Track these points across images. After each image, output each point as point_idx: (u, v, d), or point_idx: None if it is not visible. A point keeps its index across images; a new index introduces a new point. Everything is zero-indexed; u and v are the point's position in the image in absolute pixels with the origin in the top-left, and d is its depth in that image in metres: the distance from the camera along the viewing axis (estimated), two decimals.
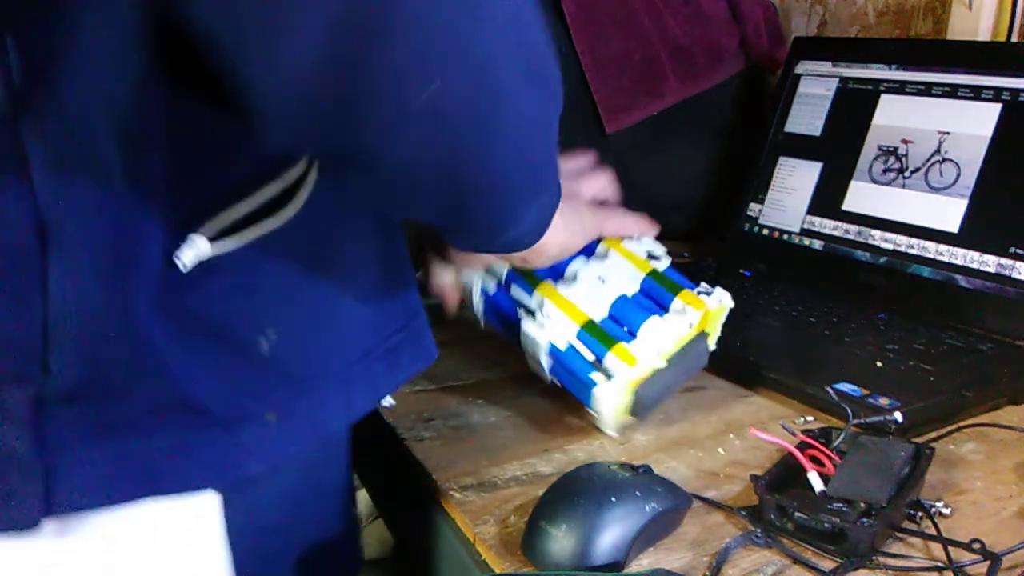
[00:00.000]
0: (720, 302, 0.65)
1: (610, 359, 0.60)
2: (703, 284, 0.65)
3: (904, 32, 1.13)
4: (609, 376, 0.60)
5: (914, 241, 0.90)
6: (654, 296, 0.64)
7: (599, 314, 0.63)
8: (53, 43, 0.36)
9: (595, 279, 0.64)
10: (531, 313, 0.63)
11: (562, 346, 0.62)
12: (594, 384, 0.60)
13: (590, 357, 0.61)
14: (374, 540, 1.48)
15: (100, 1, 0.37)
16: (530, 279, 0.64)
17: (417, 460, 0.59)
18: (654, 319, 0.61)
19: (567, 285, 0.63)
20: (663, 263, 0.66)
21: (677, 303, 0.63)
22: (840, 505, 0.49)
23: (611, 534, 0.46)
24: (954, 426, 0.66)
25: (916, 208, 0.91)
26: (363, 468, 0.70)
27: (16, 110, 0.36)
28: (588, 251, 0.65)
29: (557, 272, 0.65)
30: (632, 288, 0.64)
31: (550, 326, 0.62)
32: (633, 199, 0.65)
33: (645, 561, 0.48)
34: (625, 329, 0.62)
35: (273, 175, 0.44)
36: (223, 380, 0.44)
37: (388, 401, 0.65)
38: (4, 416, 0.38)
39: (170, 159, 0.40)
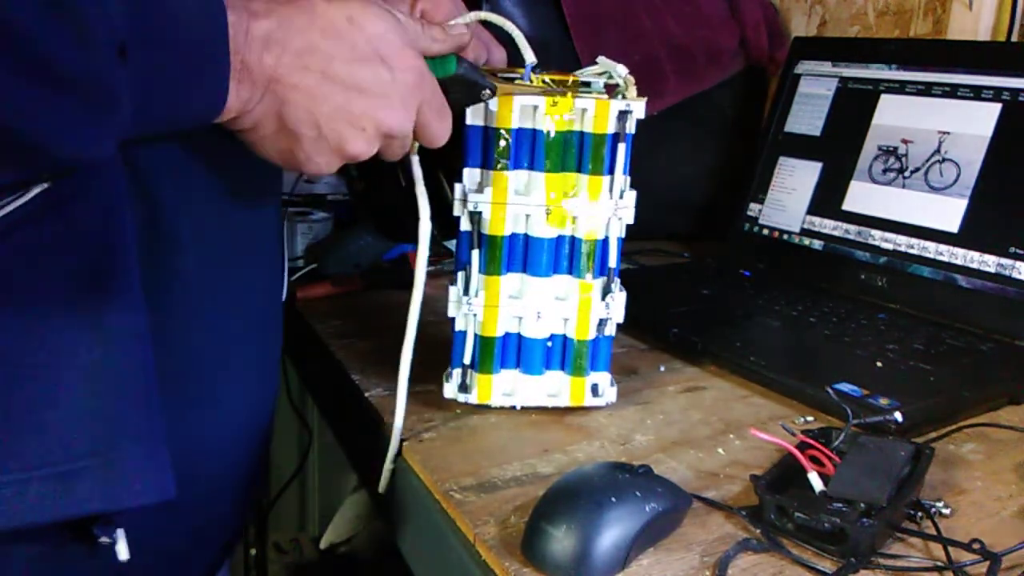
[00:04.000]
0: None
1: None
2: None
3: (904, 32, 1.12)
4: None
5: (914, 241, 0.90)
6: None
7: None
8: None
9: None
10: None
11: None
12: None
13: None
14: (373, 541, 1.49)
15: None
16: None
17: (416, 460, 0.59)
18: None
19: None
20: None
21: None
22: (840, 505, 0.49)
23: (611, 534, 0.46)
24: (954, 426, 0.66)
25: (916, 208, 0.91)
26: (363, 469, 0.70)
27: None
28: None
29: None
30: None
31: None
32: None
33: (645, 561, 0.48)
34: None
35: None
36: None
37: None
38: None
39: None
